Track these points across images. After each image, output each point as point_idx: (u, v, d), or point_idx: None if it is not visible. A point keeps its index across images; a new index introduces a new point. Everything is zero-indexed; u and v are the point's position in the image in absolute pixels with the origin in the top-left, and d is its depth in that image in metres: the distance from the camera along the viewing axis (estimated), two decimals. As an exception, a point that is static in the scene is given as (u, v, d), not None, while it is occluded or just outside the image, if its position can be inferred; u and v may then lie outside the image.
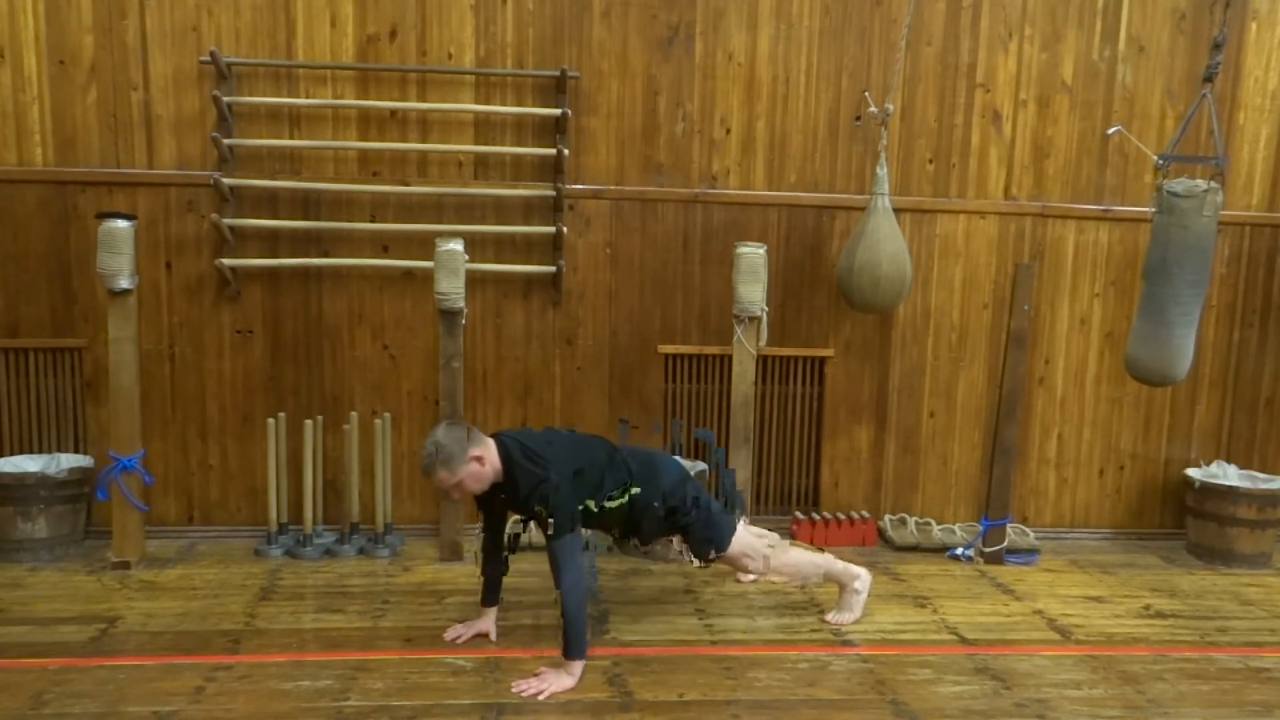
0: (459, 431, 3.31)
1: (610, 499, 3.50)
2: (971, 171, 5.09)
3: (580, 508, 3.40)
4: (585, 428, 5.00)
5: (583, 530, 3.48)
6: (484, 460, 3.31)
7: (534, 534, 4.74)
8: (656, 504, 3.56)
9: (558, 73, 4.72)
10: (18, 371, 4.71)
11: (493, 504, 3.52)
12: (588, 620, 3.34)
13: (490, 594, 3.70)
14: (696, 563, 3.77)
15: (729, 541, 3.67)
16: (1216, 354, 5.32)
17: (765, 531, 4.13)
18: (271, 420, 4.59)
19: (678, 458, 4.85)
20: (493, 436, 3.43)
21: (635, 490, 3.53)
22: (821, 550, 4.07)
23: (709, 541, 3.66)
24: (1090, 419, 5.31)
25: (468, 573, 4.39)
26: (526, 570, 4.23)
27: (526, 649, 3.57)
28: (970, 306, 5.18)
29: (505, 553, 3.66)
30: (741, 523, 3.84)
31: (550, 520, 3.27)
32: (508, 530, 3.65)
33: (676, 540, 3.86)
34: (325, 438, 4.78)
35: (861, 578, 3.96)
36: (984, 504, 5.02)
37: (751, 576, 4.18)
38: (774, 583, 4.09)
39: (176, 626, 3.71)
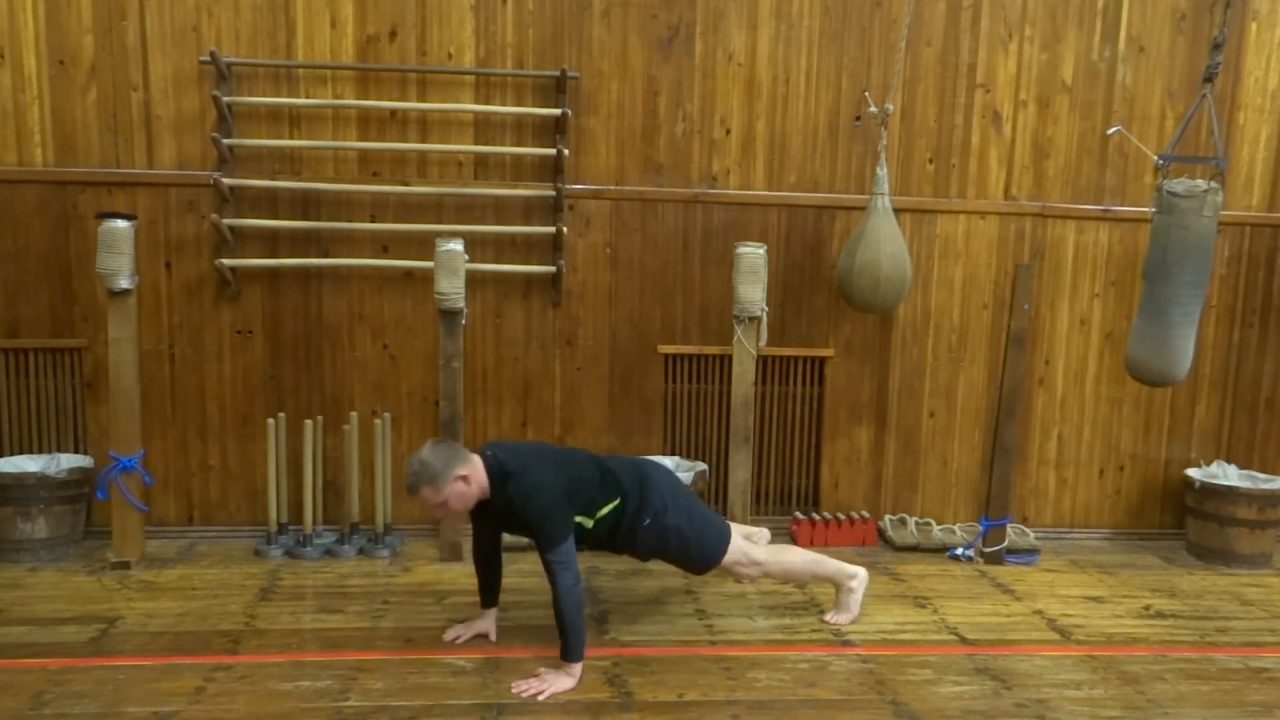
0: (445, 450, 3.29)
1: (600, 511, 3.46)
2: (971, 172, 5.09)
3: (574, 522, 3.37)
4: (585, 427, 5.02)
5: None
6: (470, 479, 3.28)
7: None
8: (648, 520, 3.52)
9: (558, 73, 4.72)
10: (18, 371, 4.71)
11: (483, 518, 3.51)
12: (585, 622, 3.33)
13: (488, 596, 3.71)
14: (700, 573, 3.77)
15: (724, 552, 3.65)
16: (1216, 354, 5.32)
17: (753, 530, 4.13)
18: (271, 420, 4.59)
19: (668, 461, 4.87)
20: (478, 452, 3.39)
21: (624, 502, 3.50)
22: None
23: (705, 553, 3.64)
24: (1090, 419, 5.31)
25: (468, 573, 4.37)
26: (526, 570, 4.23)
27: (526, 649, 3.57)
28: (970, 307, 5.18)
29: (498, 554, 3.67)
30: (734, 529, 3.80)
31: (542, 529, 3.24)
32: None
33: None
34: (325, 438, 4.78)
35: (858, 577, 3.96)
36: (984, 504, 5.02)
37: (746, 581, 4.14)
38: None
39: (176, 627, 3.71)
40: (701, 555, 3.64)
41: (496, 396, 4.98)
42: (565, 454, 3.60)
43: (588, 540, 3.51)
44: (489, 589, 3.70)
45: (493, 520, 3.49)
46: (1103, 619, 4.12)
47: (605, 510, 3.48)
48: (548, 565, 3.24)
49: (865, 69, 4.95)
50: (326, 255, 4.80)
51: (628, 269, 4.98)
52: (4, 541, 4.40)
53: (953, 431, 5.25)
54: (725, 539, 3.67)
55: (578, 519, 3.39)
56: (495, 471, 3.31)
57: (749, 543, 3.82)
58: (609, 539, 3.55)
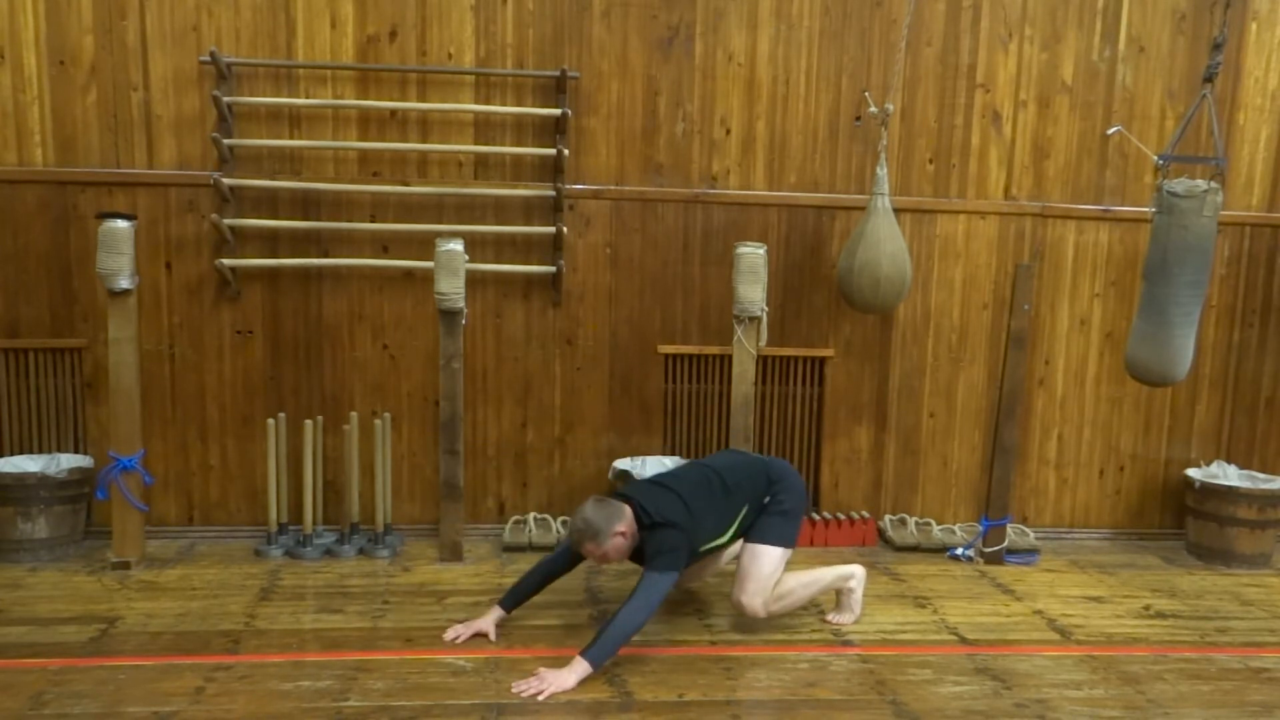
0: (606, 509, 3.49)
1: (731, 528, 3.72)
2: (971, 172, 5.09)
3: (708, 546, 3.67)
4: (585, 428, 5.03)
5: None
6: (626, 534, 3.49)
7: (534, 533, 4.75)
8: (768, 499, 3.77)
9: (558, 73, 4.72)
10: (18, 371, 4.71)
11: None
12: (626, 643, 3.36)
13: (512, 599, 3.73)
14: (752, 540, 3.77)
15: (788, 546, 3.76)
16: (1216, 354, 5.32)
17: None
18: (271, 421, 4.59)
19: (668, 461, 4.87)
20: (624, 498, 3.59)
21: (750, 510, 3.74)
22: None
23: (776, 534, 3.75)
24: (1090, 419, 5.31)
25: (468, 573, 4.39)
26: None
27: (526, 649, 3.57)
28: (970, 307, 5.18)
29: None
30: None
31: (654, 561, 3.43)
32: None
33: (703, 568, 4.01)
34: (325, 438, 4.78)
35: (855, 576, 3.95)
36: (984, 504, 5.02)
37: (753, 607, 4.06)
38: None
39: (176, 627, 3.71)
40: (777, 531, 3.75)
41: (497, 396, 4.98)
42: (703, 488, 3.68)
43: (723, 545, 3.80)
44: (521, 596, 3.74)
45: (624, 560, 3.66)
46: (1103, 619, 4.12)
47: (736, 524, 3.72)
48: (642, 578, 3.41)
49: (865, 69, 4.95)
50: (326, 255, 4.80)
51: (628, 269, 4.98)
52: (4, 541, 4.40)
53: (953, 431, 5.25)
54: (791, 545, 3.79)
55: (713, 543, 3.68)
56: (640, 519, 3.53)
57: (774, 581, 3.75)
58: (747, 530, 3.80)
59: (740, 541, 3.80)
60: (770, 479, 3.79)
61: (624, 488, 3.75)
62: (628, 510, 3.53)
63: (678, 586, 3.90)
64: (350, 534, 4.68)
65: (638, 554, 3.58)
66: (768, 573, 3.69)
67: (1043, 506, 5.36)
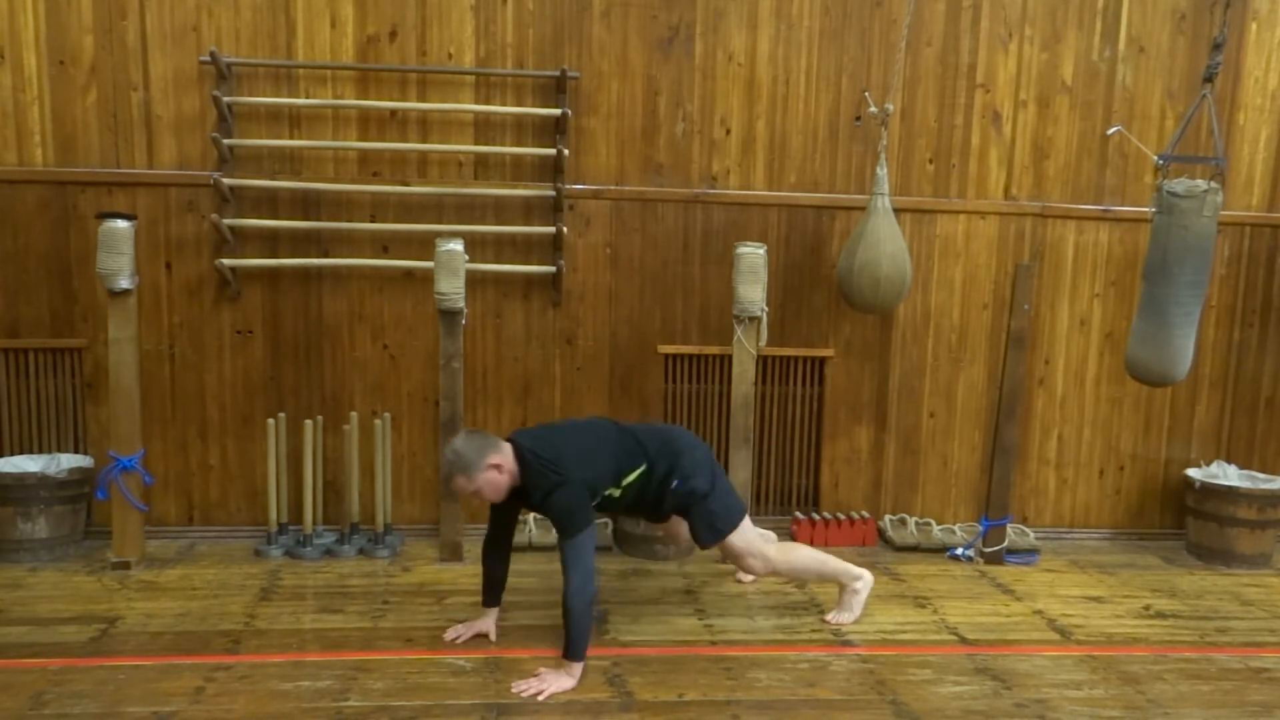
0: (478, 439, 3.39)
1: (626, 479, 3.57)
2: (971, 172, 5.09)
3: (599, 498, 3.51)
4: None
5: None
6: (501, 468, 3.37)
7: (534, 534, 4.75)
8: (675, 483, 3.62)
9: (558, 73, 4.72)
10: (18, 371, 4.71)
11: (506, 505, 3.57)
12: (592, 624, 3.34)
13: (491, 594, 3.71)
14: (705, 543, 3.76)
15: (737, 525, 3.71)
16: (1216, 354, 5.32)
17: (765, 531, 4.15)
18: (271, 420, 4.59)
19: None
20: (508, 440, 3.47)
21: (651, 469, 3.60)
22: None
23: (719, 521, 3.69)
24: (1090, 419, 5.31)
25: (468, 573, 4.39)
26: (526, 570, 4.24)
27: (526, 649, 3.57)
28: (970, 307, 5.18)
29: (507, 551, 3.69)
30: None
31: (560, 522, 3.33)
32: None
33: (685, 529, 3.84)
34: (325, 438, 4.78)
35: (863, 578, 3.96)
36: (984, 504, 5.02)
37: (750, 577, 4.20)
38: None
39: (176, 627, 3.72)
40: (717, 521, 3.69)
41: (496, 396, 4.98)
42: (593, 433, 3.63)
43: (614, 506, 3.64)
44: (494, 587, 3.70)
45: (515, 506, 3.57)
46: (1103, 619, 4.12)
47: (631, 478, 3.58)
48: (562, 553, 3.30)
49: (865, 69, 4.95)
50: (326, 255, 4.80)
51: (628, 269, 4.98)
52: (4, 541, 4.40)
53: (953, 431, 5.25)
54: (741, 515, 3.75)
55: (605, 492, 3.52)
56: (525, 458, 3.40)
57: (758, 538, 3.84)
58: (636, 502, 3.67)
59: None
60: (674, 450, 3.65)
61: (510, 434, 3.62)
62: (506, 446, 3.42)
63: (664, 553, 3.81)
64: (350, 534, 4.68)
65: (520, 496, 3.48)
66: (745, 545, 3.74)
67: (1043, 506, 5.36)
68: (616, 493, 3.57)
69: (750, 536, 3.77)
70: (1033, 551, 4.94)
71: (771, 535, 4.20)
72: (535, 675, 3.28)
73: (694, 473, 3.65)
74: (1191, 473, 5.11)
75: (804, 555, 3.96)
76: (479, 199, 4.85)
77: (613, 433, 3.66)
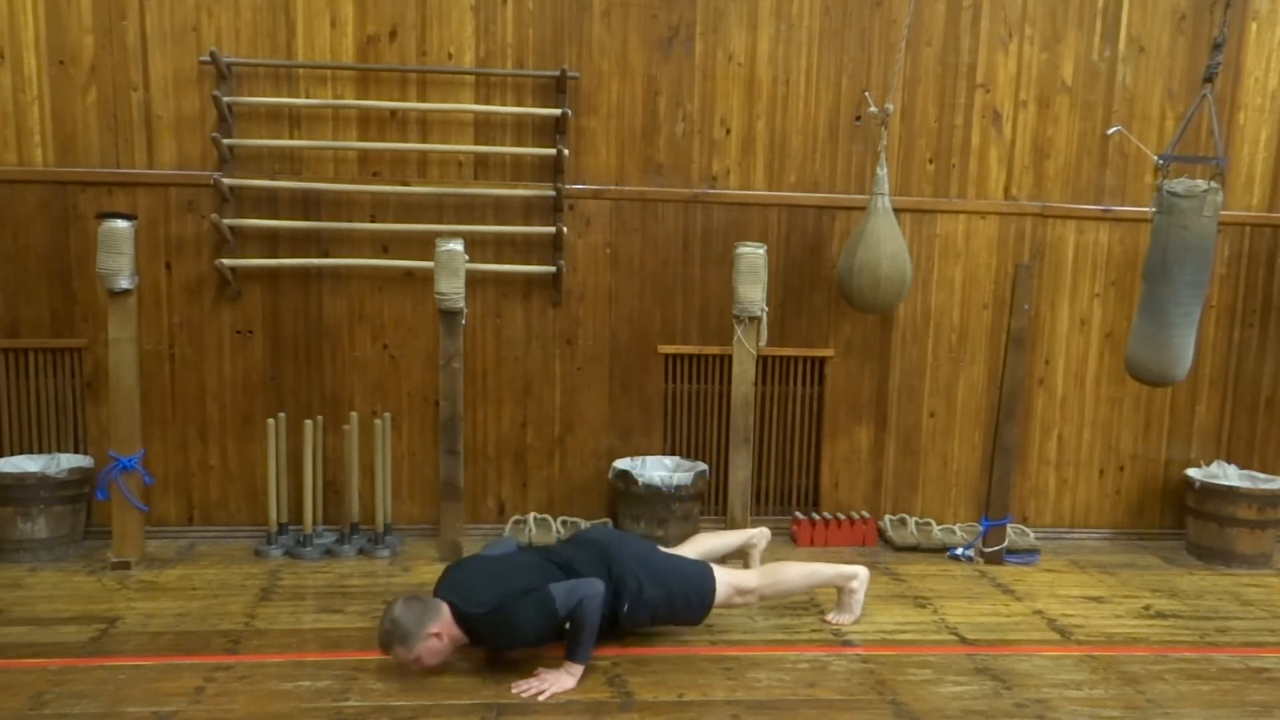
0: (416, 608, 3.23)
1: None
2: (971, 172, 5.09)
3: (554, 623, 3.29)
4: (585, 428, 5.03)
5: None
6: (441, 635, 3.24)
7: (535, 534, 4.75)
8: (626, 605, 3.47)
9: (558, 73, 4.72)
10: (18, 371, 4.71)
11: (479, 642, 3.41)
12: (598, 628, 3.32)
13: None
14: (699, 624, 3.70)
15: (711, 594, 3.61)
16: (1216, 354, 5.32)
17: (753, 531, 4.18)
18: (271, 420, 4.59)
19: (668, 461, 4.87)
20: (438, 597, 3.32)
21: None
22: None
23: (694, 610, 3.61)
24: (1090, 419, 5.31)
25: (468, 573, 4.39)
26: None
27: (526, 649, 3.57)
28: (970, 307, 5.18)
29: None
30: (716, 569, 3.72)
31: (551, 622, 3.24)
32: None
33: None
34: (325, 438, 4.78)
35: (858, 576, 3.95)
36: (984, 504, 5.02)
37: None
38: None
39: (176, 627, 3.71)
40: (691, 610, 3.62)
41: (496, 396, 4.98)
42: (521, 572, 3.43)
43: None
44: None
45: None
46: (1103, 619, 4.12)
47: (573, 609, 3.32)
48: (571, 615, 3.24)
49: (865, 69, 4.95)
50: (326, 255, 4.80)
51: (628, 269, 4.98)
52: (4, 541, 4.40)
53: (953, 431, 5.25)
54: (710, 584, 3.63)
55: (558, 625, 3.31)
56: (463, 618, 3.27)
57: (735, 573, 3.79)
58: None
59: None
60: (604, 560, 3.49)
61: (439, 581, 3.44)
62: (445, 609, 3.26)
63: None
64: (350, 534, 4.68)
65: (478, 640, 3.33)
66: (726, 596, 3.67)
67: (1043, 506, 5.36)
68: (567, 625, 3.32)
69: (727, 583, 3.67)
70: (1033, 551, 4.94)
71: (765, 533, 4.22)
72: (535, 675, 3.28)
73: (639, 587, 3.47)
74: (1191, 473, 5.11)
75: (790, 574, 3.86)
76: (479, 199, 4.85)
77: (543, 568, 3.46)
